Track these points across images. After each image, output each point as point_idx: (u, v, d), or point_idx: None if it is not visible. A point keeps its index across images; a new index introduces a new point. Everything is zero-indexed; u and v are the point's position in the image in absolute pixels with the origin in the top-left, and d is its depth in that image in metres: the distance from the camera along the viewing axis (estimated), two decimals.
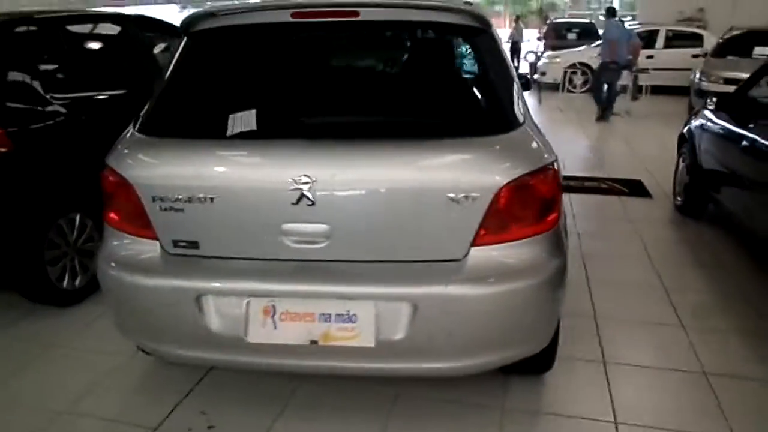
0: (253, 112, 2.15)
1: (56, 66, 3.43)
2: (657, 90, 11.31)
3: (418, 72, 2.32)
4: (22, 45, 3.28)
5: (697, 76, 8.98)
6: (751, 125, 3.67)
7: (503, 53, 2.24)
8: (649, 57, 11.74)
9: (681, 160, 5.05)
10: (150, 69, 4.06)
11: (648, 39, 12.26)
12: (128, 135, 2.22)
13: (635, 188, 5.78)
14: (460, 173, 1.93)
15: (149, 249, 2.10)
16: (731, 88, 8.22)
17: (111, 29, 3.95)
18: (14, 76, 3.20)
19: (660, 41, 12.55)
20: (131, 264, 2.10)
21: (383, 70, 2.32)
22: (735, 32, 10.08)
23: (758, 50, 9.00)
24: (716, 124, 4.17)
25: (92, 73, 3.66)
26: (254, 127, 2.10)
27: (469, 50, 2.19)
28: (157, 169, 2.05)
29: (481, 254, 1.97)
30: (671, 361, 2.81)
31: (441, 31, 2.20)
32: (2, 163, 2.99)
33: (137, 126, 2.20)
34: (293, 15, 2.14)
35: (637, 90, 10.11)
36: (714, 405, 2.49)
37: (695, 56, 12.15)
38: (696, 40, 12.62)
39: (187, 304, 2.00)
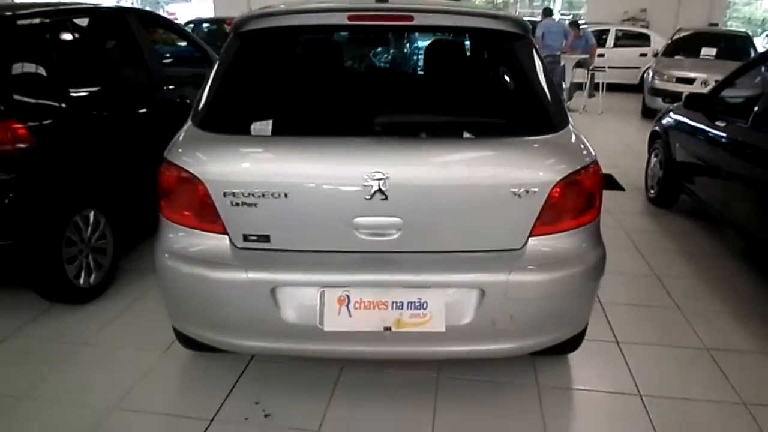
0: (318, 110, 2.23)
1: (68, 59, 3.38)
2: (608, 87, 11.85)
3: (470, 74, 2.46)
4: (37, 38, 3.21)
5: (651, 75, 9.49)
6: (727, 123, 4.01)
7: (542, 57, 2.41)
8: (600, 55, 12.28)
9: (653, 155, 5.39)
10: (155, 64, 4.05)
11: (598, 38, 12.81)
12: (188, 131, 2.25)
13: (607, 182, 6.12)
14: (521, 170, 2.09)
15: (216, 243, 2.15)
16: (683, 87, 8.85)
17: (118, 24, 3.89)
18: (29, 68, 3.14)
19: (610, 41, 13.15)
20: (199, 258, 2.15)
21: (437, 72, 2.44)
22: (683, 33, 10.71)
23: (705, 51, 9.62)
24: (693, 122, 4.50)
25: (103, 67, 3.62)
26: (321, 125, 2.18)
27: (514, 54, 2.34)
28: (231, 165, 2.10)
29: (538, 244, 2.14)
30: (675, 339, 3.08)
31: (489, 37, 2.35)
32: (25, 160, 2.94)
33: (198, 122, 2.24)
34: (350, 18, 2.23)
35: (594, 87, 10.58)
36: (720, 376, 2.76)
37: (643, 55, 12.82)
38: (643, 39, 13.29)
39: (262, 296, 2.07)
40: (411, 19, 2.23)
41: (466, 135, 2.15)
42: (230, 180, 2.07)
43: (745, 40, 10.12)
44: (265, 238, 2.12)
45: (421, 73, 2.45)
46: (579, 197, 2.17)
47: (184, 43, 7.36)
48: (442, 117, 2.20)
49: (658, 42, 13.01)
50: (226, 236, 2.14)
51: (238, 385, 2.62)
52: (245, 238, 2.13)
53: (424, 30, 2.33)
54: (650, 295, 3.57)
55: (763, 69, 4.09)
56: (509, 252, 2.13)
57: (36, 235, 3.00)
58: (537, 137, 2.17)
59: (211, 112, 2.24)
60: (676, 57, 9.97)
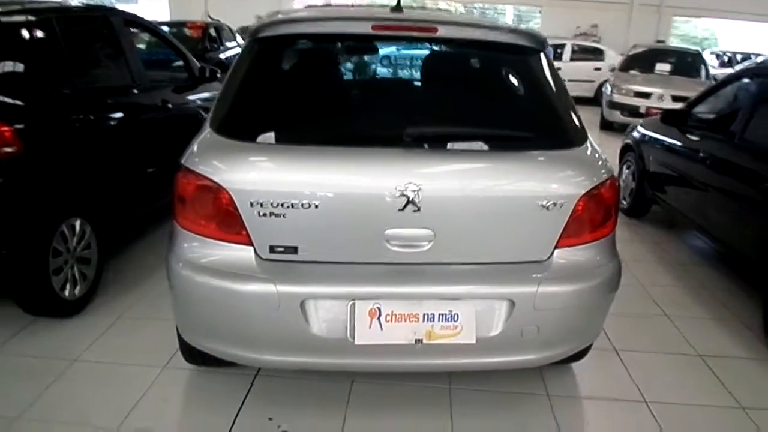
0: (346, 119, 2.20)
1: (52, 60, 3.21)
2: None
3: (492, 87, 2.47)
4: (20, 37, 3.05)
5: (609, 89, 9.84)
6: (705, 138, 4.19)
7: (557, 73, 2.46)
8: (558, 69, 12.65)
9: (625, 167, 5.57)
10: (138, 67, 3.92)
11: (554, 53, 13.19)
12: (208, 138, 2.17)
13: None
14: (549, 183, 2.12)
15: (241, 254, 2.08)
16: (641, 101, 9.21)
17: (102, 25, 3.73)
18: (13, 68, 2.98)
19: (566, 55, 13.56)
20: (222, 270, 2.07)
21: (460, 85, 2.44)
22: (639, 49, 11.16)
23: (659, 66, 10.06)
24: (670, 136, 4.67)
25: (87, 69, 3.47)
26: (350, 135, 2.15)
27: (534, 69, 2.38)
28: (259, 174, 2.04)
29: (563, 255, 2.17)
30: (669, 346, 3.19)
31: (510, 51, 2.37)
32: (12, 165, 2.77)
33: (219, 129, 2.16)
34: (374, 27, 2.22)
35: None
36: (716, 382, 2.87)
37: (597, 69, 13.29)
38: (597, 54, 13.77)
39: (292, 309, 2.02)
40: (435, 30, 2.24)
41: (495, 148, 2.16)
42: (259, 189, 2.01)
43: (696, 57, 10.64)
44: (293, 250, 2.07)
45: (445, 85, 2.45)
46: (600, 210, 2.22)
47: (142, 46, 7.15)
48: (471, 129, 2.20)
49: (612, 57, 13.51)
50: (251, 247, 2.08)
51: (248, 401, 2.54)
52: (272, 249, 2.07)
53: (447, 43, 2.34)
54: (639, 304, 3.67)
55: (735, 87, 4.28)
56: (536, 264, 2.15)
57: (23, 245, 2.83)
58: (563, 151, 2.21)
59: (234, 118, 2.18)
60: (632, 72, 10.37)
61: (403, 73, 2.68)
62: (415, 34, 2.26)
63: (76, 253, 3.18)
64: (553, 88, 2.35)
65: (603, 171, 2.23)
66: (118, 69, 3.77)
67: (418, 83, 2.54)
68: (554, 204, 2.09)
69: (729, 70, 13.78)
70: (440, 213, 2.05)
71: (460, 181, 2.07)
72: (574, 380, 2.81)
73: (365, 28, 2.24)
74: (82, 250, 3.23)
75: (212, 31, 11.43)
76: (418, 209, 2.01)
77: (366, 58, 2.45)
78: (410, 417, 2.49)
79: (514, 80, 2.49)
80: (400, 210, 2.01)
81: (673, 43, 19.56)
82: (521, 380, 2.73)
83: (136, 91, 3.87)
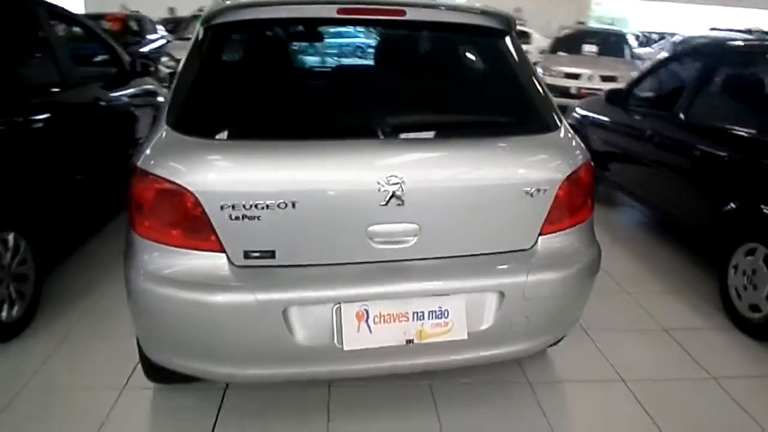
0: (318, 110, 2.06)
1: None
2: None
3: (466, 72, 2.39)
4: None
5: (540, 71, 10.01)
6: (651, 116, 4.30)
7: (526, 55, 2.41)
8: None
9: None
10: (67, 63, 3.59)
11: None
12: (167, 136, 1.97)
13: None
14: (533, 168, 2.07)
15: (212, 262, 1.91)
16: (571, 82, 9.41)
17: (26, 17, 3.35)
18: None
19: None
20: (192, 281, 1.89)
21: (433, 71, 2.33)
22: (566, 31, 11.43)
23: (586, 48, 10.32)
24: (615, 115, 4.76)
25: (12, 65, 3.13)
26: (324, 127, 2.01)
27: (506, 52, 2.31)
28: (229, 174, 1.87)
29: (546, 242, 2.13)
30: (634, 322, 3.25)
31: (481, 34, 2.30)
32: None
33: (178, 126, 1.97)
34: (339, 11, 2.08)
35: None
36: (684, 354, 2.94)
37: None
38: (524, 37, 14.02)
39: (274, 319, 1.87)
40: (403, 13, 2.12)
41: (475, 135, 2.08)
42: (230, 191, 1.84)
43: (620, 37, 11.00)
44: (270, 254, 1.92)
45: (417, 71, 2.34)
46: (580, 194, 2.19)
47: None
48: (451, 116, 2.11)
49: (537, 39, 13.82)
50: (224, 254, 1.91)
51: (221, 418, 2.37)
52: (246, 255, 1.91)
53: (417, 26, 2.23)
54: (601, 282, 3.56)
55: (677, 65, 4.41)
56: (522, 252, 2.10)
57: None
58: (541, 135, 2.16)
59: (195, 113, 1.99)
60: (560, 54, 10.60)
61: (373, 60, 2.55)
62: (382, 17, 2.14)
63: (11, 270, 2.88)
64: (527, 71, 2.29)
65: (580, 154, 2.20)
66: (44, 65, 3.43)
67: (388, 70, 2.42)
68: (538, 190, 2.04)
69: (648, 49, 14.46)
70: (425, 206, 1.95)
71: (444, 171, 1.98)
72: (551, 364, 2.80)
73: (330, 13, 2.10)
74: (17, 266, 2.93)
75: (133, 24, 10.80)
76: (402, 203, 1.91)
77: (332, 44, 2.30)
78: (396, 417, 2.40)
79: (487, 64, 2.42)
80: (382, 205, 1.90)
81: (590, 24, 20.29)
82: (500, 369, 2.70)
83: (65, 90, 3.54)
